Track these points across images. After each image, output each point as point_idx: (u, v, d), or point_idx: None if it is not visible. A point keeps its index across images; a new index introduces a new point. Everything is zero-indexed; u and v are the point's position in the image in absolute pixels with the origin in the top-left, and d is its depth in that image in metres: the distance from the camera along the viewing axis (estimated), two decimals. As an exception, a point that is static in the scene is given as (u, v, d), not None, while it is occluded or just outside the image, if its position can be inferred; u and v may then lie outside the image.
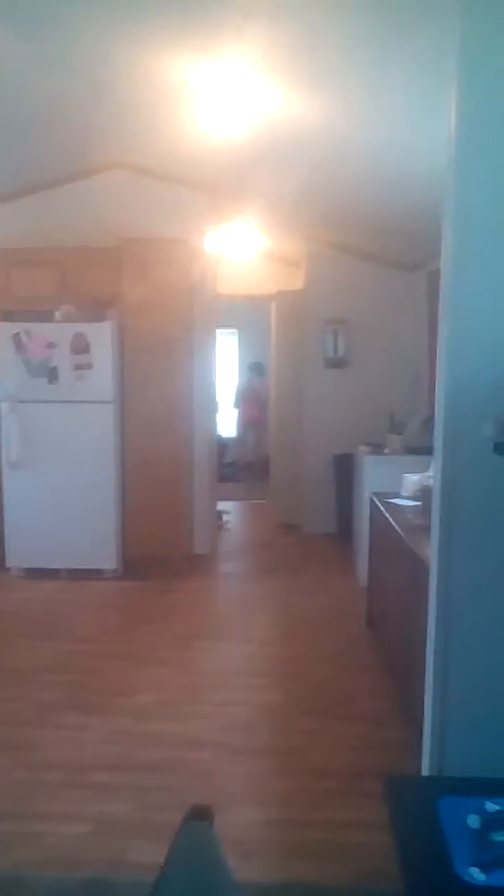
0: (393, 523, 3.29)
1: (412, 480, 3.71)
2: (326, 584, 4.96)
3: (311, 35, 2.75)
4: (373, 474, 4.60)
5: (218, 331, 5.81)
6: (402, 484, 3.80)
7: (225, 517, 6.87)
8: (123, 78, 3.48)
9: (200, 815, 1.13)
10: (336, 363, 6.21)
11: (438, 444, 1.81)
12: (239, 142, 3.97)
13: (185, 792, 2.47)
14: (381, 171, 4.06)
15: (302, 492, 6.41)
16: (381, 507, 3.64)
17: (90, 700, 3.19)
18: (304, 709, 3.15)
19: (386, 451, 4.93)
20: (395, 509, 3.54)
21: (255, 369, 9.37)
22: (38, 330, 4.80)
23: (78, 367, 4.79)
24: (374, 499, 3.88)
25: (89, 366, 4.80)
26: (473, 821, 1.25)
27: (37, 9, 2.89)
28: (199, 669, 3.57)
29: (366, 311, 6.09)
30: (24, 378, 4.81)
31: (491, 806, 1.29)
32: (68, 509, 4.88)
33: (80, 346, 4.79)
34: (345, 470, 5.78)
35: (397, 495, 3.77)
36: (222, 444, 8.29)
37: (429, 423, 4.32)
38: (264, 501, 7.69)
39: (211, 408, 5.70)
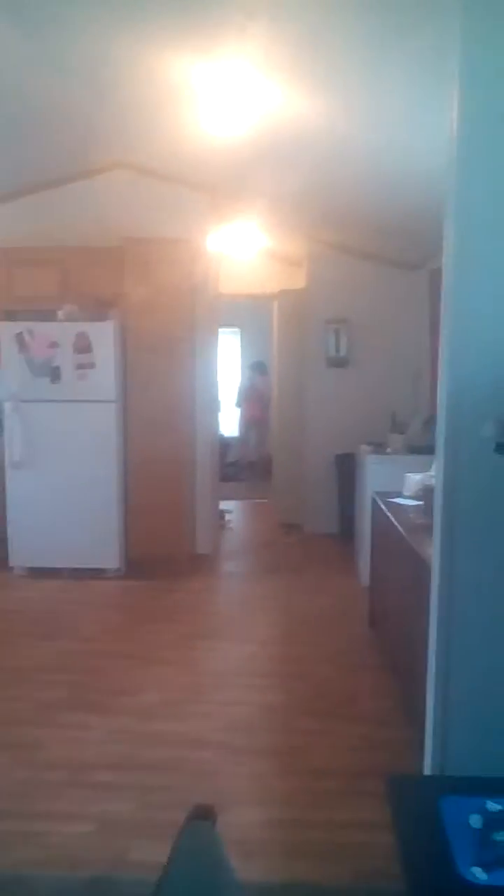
0: (395, 523, 3.29)
1: (414, 480, 3.71)
2: (328, 584, 4.96)
3: (312, 35, 2.75)
4: (375, 474, 4.59)
5: (220, 330, 5.82)
6: (404, 483, 3.79)
7: (227, 517, 6.87)
8: (125, 78, 3.49)
9: (203, 814, 1.13)
10: (338, 362, 6.21)
11: (440, 443, 1.81)
12: (240, 142, 3.97)
13: (188, 791, 2.48)
14: (382, 170, 4.06)
15: (304, 491, 6.40)
16: (383, 507, 3.64)
17: (93, 699, 3.19)
18: (305, 709, 3.15)
19: (388, 450, 4.92)
20: (396, 509, 3.53)
21: (257, 368, 9.35)
22: (41, 329, 4.81)
23: (80, 366, 4.80)
24: (376, 498, 3.87)
25: (92, 365, 4.80)
26: (475, 820, 1.25)
27: (38, 9, 2.89)
28: (201, 669, 3.58)
29: (367, 311, 6.09)
30: (26, 377, 4.82)
31: (493, 805, 1.29)
32: (71, 509, 4.89)
33: (83, 346, 4.79)
34: (347, 469, 5.78)
35: (399, 495, 3.77)
36: (224, 444, 8.29)
37: (430, 422, 4.32)
38: (266, 501, 7.70)
39: (213, 407, 5.70)
